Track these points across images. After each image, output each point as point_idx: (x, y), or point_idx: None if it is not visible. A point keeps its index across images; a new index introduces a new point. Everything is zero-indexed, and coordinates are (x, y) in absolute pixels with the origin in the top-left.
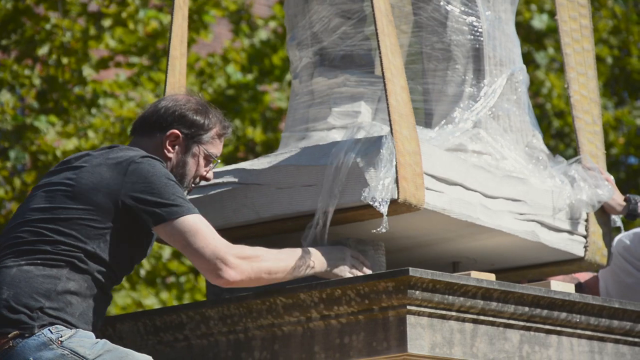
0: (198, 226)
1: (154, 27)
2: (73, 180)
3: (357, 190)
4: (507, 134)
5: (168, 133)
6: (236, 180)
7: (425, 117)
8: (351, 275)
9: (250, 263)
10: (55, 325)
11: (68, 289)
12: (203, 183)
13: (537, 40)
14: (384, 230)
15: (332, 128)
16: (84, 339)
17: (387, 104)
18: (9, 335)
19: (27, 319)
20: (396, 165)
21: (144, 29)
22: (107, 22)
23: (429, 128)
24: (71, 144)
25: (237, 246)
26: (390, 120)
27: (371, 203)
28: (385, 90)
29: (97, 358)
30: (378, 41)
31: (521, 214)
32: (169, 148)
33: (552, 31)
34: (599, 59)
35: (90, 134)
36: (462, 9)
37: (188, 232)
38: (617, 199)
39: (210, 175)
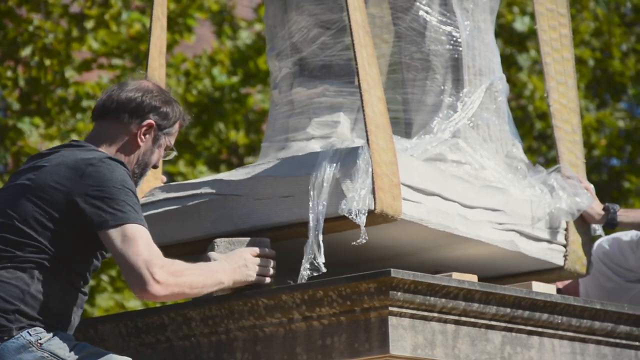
0: (135, 236)
1: (137, 30)
2: (34, 180)
3: (334, 202)
4: (486, 143)
5: (144, 122)
6: (214, 191)
7: (405, 127)
8: (259, 278)
9: (176, 278)
10: (34, 328)
11: (40, 290)
12: (175, 194)
13: (519, 43)
14: (363, 241)
15: (312, 138)
16: (64, 341)
17: (364, 115)
18: None
19: (5, 321)
20: (373, 176)
21: (127, 31)
22: (89, 24)
23: (408, 138)
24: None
25: (168, 260)
26: (366, 131)
27: (347, 215)
28: (362, 101)
29: None
30: (354, 52)
31: (500, 224)
32: (142, 137)
33: (534, 33)
34: (581, 61)
35: (74, 136)
36: (441, 19)
37: (123, 240)
38: (596, 207)
39: (160, 163)
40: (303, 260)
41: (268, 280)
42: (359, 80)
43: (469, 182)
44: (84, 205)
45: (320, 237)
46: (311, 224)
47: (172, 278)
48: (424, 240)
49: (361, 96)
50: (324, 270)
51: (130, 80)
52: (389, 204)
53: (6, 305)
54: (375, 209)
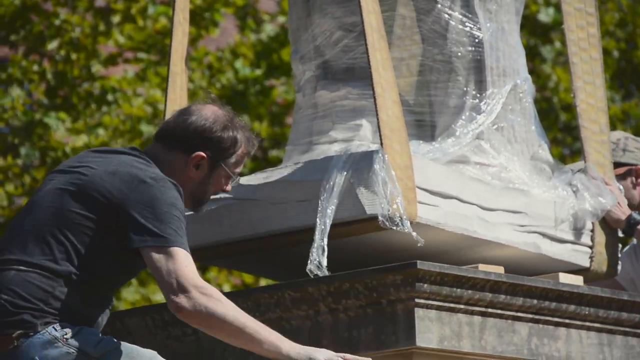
0: (173, 257)
1: (163, 24)
2: (80, 185)
3: (349, 206)
4: (511, 145)
5: (193, 155)
6: (233, 195)
7: (430, 130)
8: None
9: (208, 301)
10: (60, 323)
11: (64, 292)
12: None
13: (543, 34)
14: (420, 245)
15: (334, 141)
16: (89, 336)
17: (378, 119)
18: (13, 335)
19: (30, 317)
20: (393, 180)
21: (153, 25)
22: (116, 18)
23: (433, 140)
24: (80, 140)
25: (206, 284)
26: (380, 135)
27: (388, 225)
28: (376, 105)
29: (103, 355)
30: (368, 56)
31: (522, 226)
32: (193, 169)
33: (559, 24)
34: (606, 52)
35: (100, 131)
36: (463, 20)
37: (162, 260)
38: (618, 210)
39: (229, 188)
40: (308, 263)
41: None
42: (372, 84)
43: (489, 184)
44: (128, 221)
45: (325, 241)
46: (318, 227)
47: (205, 298)
48: (443, 244)
49: (375, 100)
50: (326, 273)
51: (194, 105)
52: (404, 208)
53: (30, 304)
54: (389, 212)
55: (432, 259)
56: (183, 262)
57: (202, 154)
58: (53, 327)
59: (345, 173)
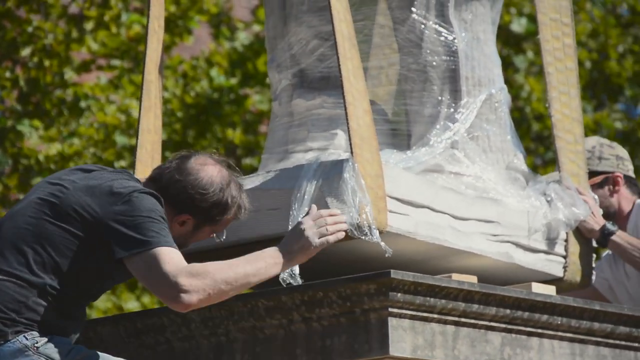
0: (158, 256)
1: (137, 31)
2: (61, 198)
3: None
4: (486, 154)
5: (180, 216)
6: None
7: (407, 139)
8: (323, 240)
9: (203, 281)
10: (31, 332)
11: (39, 303)
12: None
13: (516, 44)
14: (388, 255)
15: (310, 150)
16: (60, 345)
17: (348, 127)
18: None
19: (1, 326)
20: (363, 189)
21: (126, 32)
22: (89, 25)
23: (408, 149)
24: (54, 148)
25: (191, 266)
26: (350, 144)
27: (356, 235)
28: (347, 113)
29: None
30: (339, 65)
31: (494, 235)
32: (177, 225)
33: (531, 34)
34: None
35: (75, 140)
36: (437, 29)
37: (147, 264)
38: (592, 221)
39: (214, 236)
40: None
41: (333, 238)
42: (343, 93)
43: (461, 193)
44: (110, 233)
45: None
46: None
47: (198, 280)
48: (415, 253)
49: (345, 109)
50: (299, 281)
51: (193, 162)
52: (374, 217)
53: (2, 313)
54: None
55: (404, 268)
56: (165, 258)
57: (189, 216)
58: (24, 336)
59: (315, 182)
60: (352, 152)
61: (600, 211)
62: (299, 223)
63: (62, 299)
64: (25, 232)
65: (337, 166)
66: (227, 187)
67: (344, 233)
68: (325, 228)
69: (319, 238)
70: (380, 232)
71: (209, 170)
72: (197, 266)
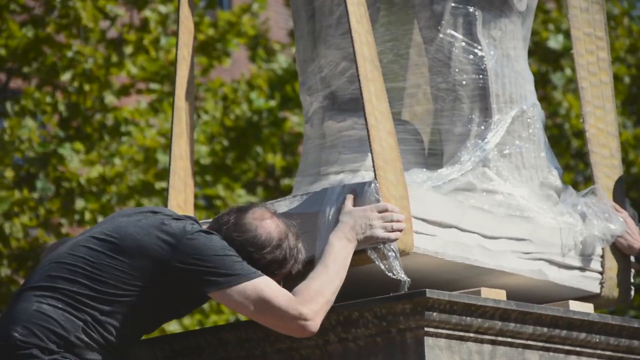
0: (261, 289)
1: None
2: (127, 232)
3: None
4: (519, 171)
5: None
6: None
7: (441, 158)
8: (385, 236)
9: (318, 302)
10: (66, 359)
11: (80, 340)
12: None
13: (554, 61)
14: (407, 285)
15: (341, 172)
16: None
17: (371, 150)
18: None
19: (38, 352)
20: None
21: (165, 56)
22: (128, 49)
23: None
24: (95, 171)
25: (299, 294)
26: (374, 167)
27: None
28: (369, 136)
29: None
30: (360, 87)
31: (526, 253)
32: None
33: (569, 51)
34: (617, 78)
35: (116, 161)
36: (466, 48)
37: (252, 297)
38: (630, 238)
39: None
40: None
41: (395, 236)
42: (365, 115)
43: (490, 212)
44: (182, 273)
45: None
46: (316, 261)
47: (315, 305)
48: (445, 273)
49: (367, 131)
50: (405, 278)
51: (252, 217)
52: (400, 239)
53: (41, 341)
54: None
55: (435, 289)
56: (270, 295)
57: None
58: None
59: (338, 205)
60: (375, 174)
61: (638, 228)
62: (364, 210)
63: (105, 336)
64: (83, 263)
65: (360, 189)
66: (285, 241)
67: (400, 234)
68: (391, 225)
69: (383, 232)
70: (407, 253)
71: (266, 226)
72: (305, 291)
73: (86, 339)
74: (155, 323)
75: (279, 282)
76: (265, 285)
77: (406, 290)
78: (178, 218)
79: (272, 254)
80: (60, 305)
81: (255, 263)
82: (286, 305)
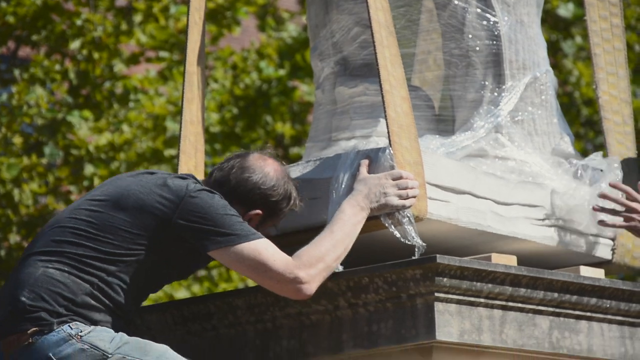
0: (260, 251)
1: (186, 23)
2: (129, 192)
3: None
4: (531, 137)
5: (252, 213)
6: None
7: (452, 124)
8: (400, 203)
9: (317, 268)
10: (75, 322)
11: (87, 302)
12: None
13: (564, 29)
14: (422, 250)
15: (353, 137)
16: (102, 333)
17: (386, 116)
18: (28, 332)
19: (47, 315)
20: None
21: (175, 24)
22: (137, 18)
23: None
24: (104, 138)
25: (299, 257)
26: (388, 132)
27: (390, 227)
28: (384, 101)
29: (116, 350)
30: (375, 53)
31: (539, 219)
32: (246, 221)
33: (579, 19)
34: (628, 46)
35: (125, 127)
36: (479, 13)
37: (250, 258)
38: None
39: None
40: None
41: (409, 203)
42: (380, 81)
43: (503, 178)
44: (184, 231)
45: None
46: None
47: (313, 270)
48: (458, 239)
49: (382, 97)
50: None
51: (254, 159)
52: (414, 205)
53: (49, 305)
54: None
55: (447, 254)
56: (267, 256)
57: (260, 211)
58: (68, 325)
59: (352, 171)
60: (390, 140)
61: None
62: (378, 178)
63: (112, 296)
64: (87, 226)
65: (374, 155)
66: (288, 179)
67: (415, 200)
68: (406, 192)
69: (398, 200)
70: (420, 219)
71: (270, 164)
72: (305, 255)
73: (93, 301)
74: (160, 283)
75: (279, 222)
76: (263, 248)
77: (421, 255)
78: (180, 177)
79: (282, 189)
80: (66, 269)
81: (268, 201)
82: (283, 269)
